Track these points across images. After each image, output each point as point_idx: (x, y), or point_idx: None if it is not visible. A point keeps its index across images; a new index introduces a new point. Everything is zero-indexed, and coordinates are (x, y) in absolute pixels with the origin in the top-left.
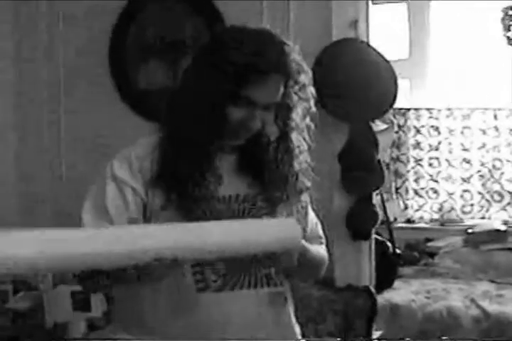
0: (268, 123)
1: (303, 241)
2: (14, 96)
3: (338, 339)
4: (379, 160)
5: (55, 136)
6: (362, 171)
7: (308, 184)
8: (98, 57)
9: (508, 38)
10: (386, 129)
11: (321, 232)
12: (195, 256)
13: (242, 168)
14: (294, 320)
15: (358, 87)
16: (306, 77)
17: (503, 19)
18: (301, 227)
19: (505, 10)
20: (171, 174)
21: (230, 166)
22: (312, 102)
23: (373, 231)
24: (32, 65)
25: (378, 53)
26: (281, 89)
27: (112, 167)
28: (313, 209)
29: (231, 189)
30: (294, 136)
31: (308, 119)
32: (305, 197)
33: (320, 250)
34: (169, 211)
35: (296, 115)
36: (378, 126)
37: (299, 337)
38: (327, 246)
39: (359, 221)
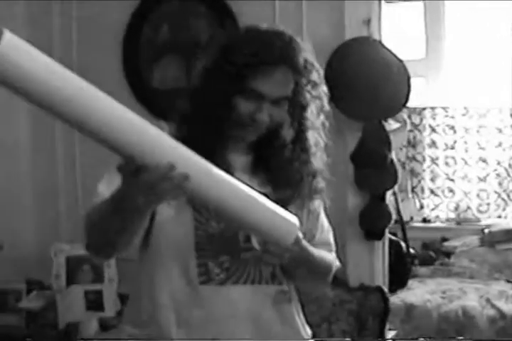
0: (277, 119)
1: (304, 242)
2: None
3: (347, 339)
4: (392, 160)
5: (68, 136)
6: (375, 170)
7: (323, 185)
8: (111, 57)
9: None
10: (399, 128)
11: (331, 240)
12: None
13: (257, 168)
14: (299, 319)
15: (370, 85)
16: (318, 76)
17: None
18: (299, 229)
19: None
20: None
21: (244, 166)
22: (325, 100)
23: (387, 230)
24: None
25: (391, 52)
26: (291, 84)
27: None
28: (327, 215)
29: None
30: (310, 134)
31: (322, 117)
32: (319, 200)
33: (326, 255)
34: (179, 206)
35: (311, 114)
36: (391, 125)
37: (306, 337)
38: (337, 255)
39: (372, 220)
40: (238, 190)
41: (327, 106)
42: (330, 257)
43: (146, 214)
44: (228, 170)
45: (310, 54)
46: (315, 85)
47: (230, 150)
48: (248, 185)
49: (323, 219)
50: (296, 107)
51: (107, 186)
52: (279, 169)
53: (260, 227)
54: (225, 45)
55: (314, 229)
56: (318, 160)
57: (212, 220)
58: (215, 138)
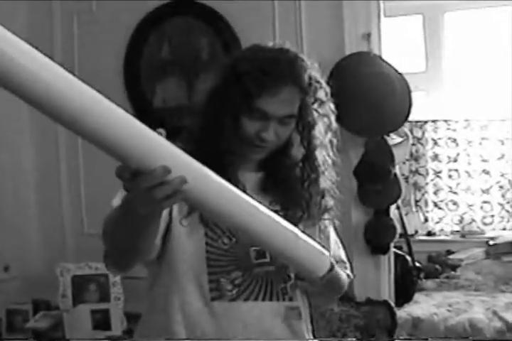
0: (283, 137)
1: (336, 267)
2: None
3: (353, 339)
4: (395, 174)
5: (73, 156)
6: (378, 185)
7: (332, 203)
8: (113, 76)
9: None
10: (401, 142)
11: (344, 256)
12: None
13: (267, 186)
14: (308, 335)
15: (372, 100)
16: (324, 93)
17: None
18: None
19: None
20: None
21: (254, 184)
22: (332, 118)
23: (392, 245)
24: None
25: (391, 66)
26: (297, 103)
27: None
28: (337, 233)
29: None
30: (318, 153)
31: (330, 135)
32: (328, 217)
33: (343, 273)
34: (192, 222)
35: (319, 132)
36: (394, 139)
37: None
38: (351, 269)
39: (377, 235)
40: (245, 203)
41: (334, 124)
42: (344, 275)
43: (154, 219)
44: (238, 188)
45: (316, 71)
46: (322, 103)
47: (239, 168)
48: (259, 202)
49: (335, 236)
50: (305, 126)
51: (120, 200)
52: (289, 188)
53: (294, 260)
54: (231, 64)
55: (326, 247)
56: (327, 178)
57: (224, 236)
58: (223, 157)
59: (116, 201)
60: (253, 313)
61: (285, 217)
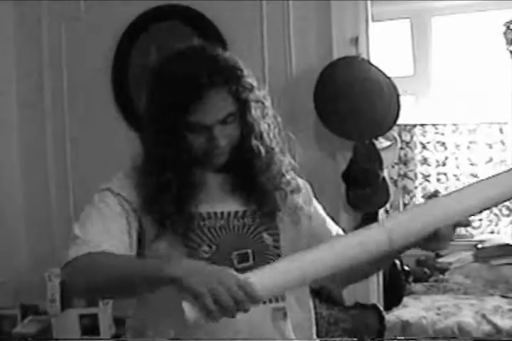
0: (233, 135)
1: None
2: (17, 130)
3: (354, 339)
4: (384, 178)
5: (61, 161)
6: (367, 189)
7: (298, 183)
8: (101, 80)
9: (511, 52)
10: (390, 146)
11: (338, 229)
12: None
13: (235, 187)
14: (295, 335)
15: (360, 104)
16: (251, 80)
17: (505, 33)
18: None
19: (508, 24)
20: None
21: (223, 186)
22: (268, 103)
23: None
24: (35, 86)
25: (380, 70)
26: (230, 99)
27: (102, 196)
28: (322, 205)
29: (226, 206)
30: (266, 138)
31: (269, 119)
32: (299, 198)
33: None
34: (163, 240)
35: (254, 117)
36: (382, 143)
37: None
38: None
39: None
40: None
41: (271, 109)
42: None
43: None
44: (207, 189)
45: (233, 60)
46: (252, 89)
47: (205, 173)
48: (234, 203)
49: (319, 208)
50: (243, 117)
51: (103, 223)
52: (256, 184)
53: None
54: (154, 78)
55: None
56: (282, 160)
57: (204, 245)
58: (186, 163)
59: (84, 231)
60: (243, 318)
61: (260, 217)
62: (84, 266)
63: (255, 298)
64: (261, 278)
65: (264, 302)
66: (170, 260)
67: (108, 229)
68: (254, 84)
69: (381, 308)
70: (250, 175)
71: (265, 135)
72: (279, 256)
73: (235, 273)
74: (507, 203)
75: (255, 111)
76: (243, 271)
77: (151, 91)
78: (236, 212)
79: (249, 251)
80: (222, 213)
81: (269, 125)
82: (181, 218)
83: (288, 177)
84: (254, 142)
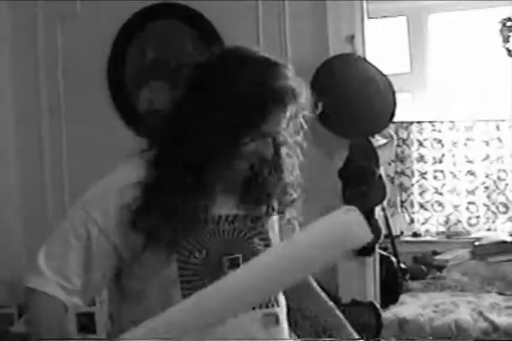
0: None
1: None
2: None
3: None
4: (380, 175)
5: (57, 160)
6: (363, 186)
7: (295, 196)
8: (97, 79)
9: (507, 49)
10: (386, 144)
11: None
12: None
13: (229, 187)
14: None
15: (356, 102)
16: (305, 98)
17: (501, 30)
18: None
19: (504, 21)
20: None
21: (221, 187)
22: (301, 119)
23: (377, 246)
24: (31, 85)
25: (375, 68)
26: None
27: (74, 217)
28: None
29: (217, 209)
30: (284, 151)
31: (299, 136)
32: (293, 211)
33: None
34: (152, 248)
35: (287, 132)
36: (378, 140)
37: None
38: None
39: None
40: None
41: (304, 125)
42: None
43: None
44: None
45: (295, 76)
46: (303, 109)
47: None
48: (229, 206)
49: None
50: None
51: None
52: (252, 186)
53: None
54: (225, 86)
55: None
56: (291, 173)
57: (195, 250)
58: (213, 175)
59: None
60: (233, 324)
61: (251, 221)
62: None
63: None
64: None
65: (254, 308)
66: None
67: (68, 265)
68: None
69: (378, 306)
70: (249, 178)
71: (289, 149)
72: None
73: None
74: (504, 200)
75: (293, 126)
76: None
77: (220, 96)
78: (227, 216)
79: (240, 256)
80: (213, 217)
81: (296, 141)
82: (177, 223)
83: (291, 190)
84: (282, 153)
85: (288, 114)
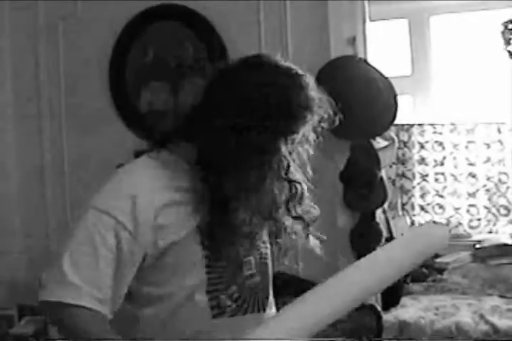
0: None
1: None
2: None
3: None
4: (381, 178)
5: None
6: (364, 189)
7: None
8: (98, 80)
9: (509, 51)
10: (387, 146)
11: None
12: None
13: None
14: None
15: (357, 104)
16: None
17: (503, 33)
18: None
19: (505, 24)
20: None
21: None
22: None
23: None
24: (32, 86)
25: (377, 70)
26: None
27: (98, 223)
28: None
29: None
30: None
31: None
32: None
33: None
34: (187, 242)
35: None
36: (379, 143)
37: None
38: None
39: (363, 239)
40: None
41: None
42: None
43: None
44: None
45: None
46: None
47: None
48: None
49: None
50: None
51: (97, 265)
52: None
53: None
54: (259, 103)
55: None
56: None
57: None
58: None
59: (77, 273)
60: (248, 325)
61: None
62: (63, 326)
63: None
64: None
65: (264, 310)
66: None
67: (100, 275)
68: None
69: (379, 308)
70: None
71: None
72: (267, 264)
73: None
74: (505, 202)
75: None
76: (250, 278)
77: (261, 105)
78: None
79: (252, 258)
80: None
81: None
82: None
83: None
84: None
85: (309, 124)
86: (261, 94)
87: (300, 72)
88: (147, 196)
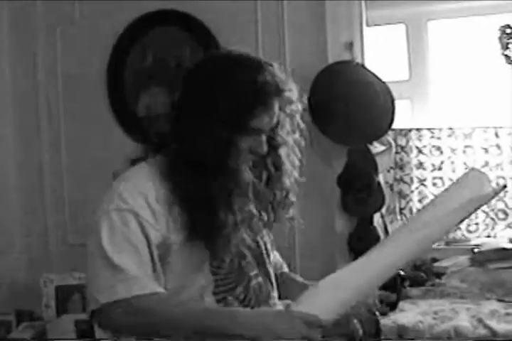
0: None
1: None
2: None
3: None
4: (379, 182)
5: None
6: (361, 193)
7: (294, 199)
8: (96, 85)
9: (506, 56)
10: (385, 151)
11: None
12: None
13: None
14: None
15: (354, 109)
16: (292, 94)
17: (500, 38)
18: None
19: (503, 28)
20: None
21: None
22: (298, 117)
23: None
24: (30, 90)
25: (374, 75)
26: (277, 109)
27: (123, 219)
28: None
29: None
30: (283, 151)
31: (297, 134)
32: (291, 212)
33: None
34: (191, 243)
35: (283, 131)
36: (377, 148)
37: None
38: None
39: (361, 243)
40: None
41: (301, 123)
42: None
43: None
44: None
45: (282, 73)
46: (289, 103)
47: None
48: None
49: None
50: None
51: (135, 254)
52: (258, 191)
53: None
54: (212, 84)
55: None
56: (290, 176)
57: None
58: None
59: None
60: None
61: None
62: (144, 317)
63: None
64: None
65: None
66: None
67: (142, 260)
68: (294, 97)
69: (377, 313)
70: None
71: (284, 148)
72: (264, 259)
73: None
74: (503, 207)
75: (289, 125)
76: (254, 278)
77: (209, 94)
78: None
79: (252, 259)
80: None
81: (295, 141)
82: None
83: (291, 193)
84: (281, 153)
85: (275, 109)
86: (225, 85)
87: (260, 59)
88: (154, 193)
